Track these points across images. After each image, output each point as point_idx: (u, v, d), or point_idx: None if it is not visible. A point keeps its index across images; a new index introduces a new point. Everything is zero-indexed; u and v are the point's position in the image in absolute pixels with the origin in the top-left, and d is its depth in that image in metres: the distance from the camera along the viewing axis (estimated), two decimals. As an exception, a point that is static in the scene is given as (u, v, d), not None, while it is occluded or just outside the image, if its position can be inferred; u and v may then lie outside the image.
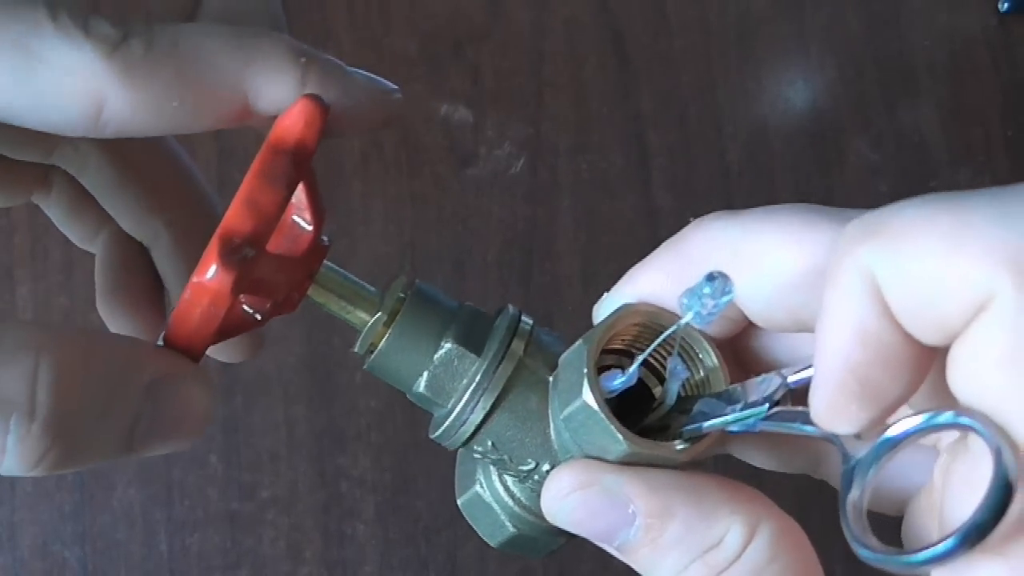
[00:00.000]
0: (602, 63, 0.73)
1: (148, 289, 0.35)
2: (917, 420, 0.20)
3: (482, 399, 0.28)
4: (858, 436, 0.21)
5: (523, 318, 0.29)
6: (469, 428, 0.28)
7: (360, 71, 0.28)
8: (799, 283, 0.23)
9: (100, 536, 0.65)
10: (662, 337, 0.26)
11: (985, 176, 0.73)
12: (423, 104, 0.71)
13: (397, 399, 0.68)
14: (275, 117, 0.26)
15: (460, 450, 0.30)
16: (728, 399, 0.25)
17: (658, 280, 0.27)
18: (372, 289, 0.29)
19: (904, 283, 0.19)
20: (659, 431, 0.27)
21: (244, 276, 0.23)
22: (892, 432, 0.21)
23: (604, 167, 0.72)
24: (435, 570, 0.66)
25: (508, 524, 0.30)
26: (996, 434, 0.17)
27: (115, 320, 0.35)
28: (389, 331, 0.28)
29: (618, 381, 0.26)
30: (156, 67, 0.24)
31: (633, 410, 0.27)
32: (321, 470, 0.66)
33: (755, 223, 0.24)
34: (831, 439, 0.22)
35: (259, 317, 0.27)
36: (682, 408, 0.27)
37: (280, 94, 0.25)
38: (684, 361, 0.27)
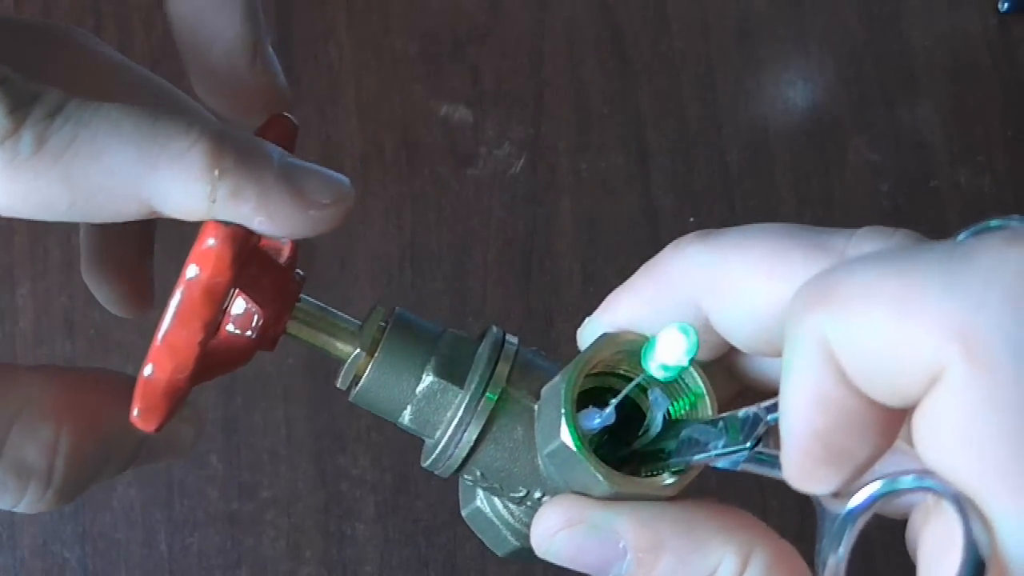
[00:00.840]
0: (602, 63, 0.73)
1: (134, 257, 0.34)
2: (876, 486, 0.20)
3: (465, 433, 0.27)
4: (835, 494, 0.21)
5: (507, 340, 0.28)
6: (456, 462, 0.28)
7: (299, 170, 0.25)
8: (774, 314, 0.23)
9: (100, 536, 0.65)
10: (625, 391, 0.25)
11: (985, 176, 0.73)
12: (423, 104, 0.71)
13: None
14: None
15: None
16: (716, 428, 0.25)
17: (637, 307, 0.26)
18: (352, 321, 0.29)
19: (856, 352, 0.18)
20: (650, 455, 0.27)
21: (241, 244, 0.23)
22: (853, 503, 0.20)
23: (604, 167, 0.72)
24: (435, 570, 0.66)
25: (511, 539, 0.30)
26: (964, 506, 0.17)
27: (100, 289, 0.34)
28: (370, 366, 0.28)
29: (596, 421, 0.26)
30: (43, 170, 0.22)
31: (625, 429, 0.27)
32: (321, 470, 0.66)
33: (729, 251, 0.24)
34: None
35: (249, 335, 0.27)
36: (670, 434, 0.27)
37: (186, 208, 0.23)
38: (669, 387, 0.26)
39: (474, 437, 0.27)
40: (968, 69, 0.75)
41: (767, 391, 0.25)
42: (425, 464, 0.29)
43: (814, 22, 0.75)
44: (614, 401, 0.26)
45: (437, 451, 0.28)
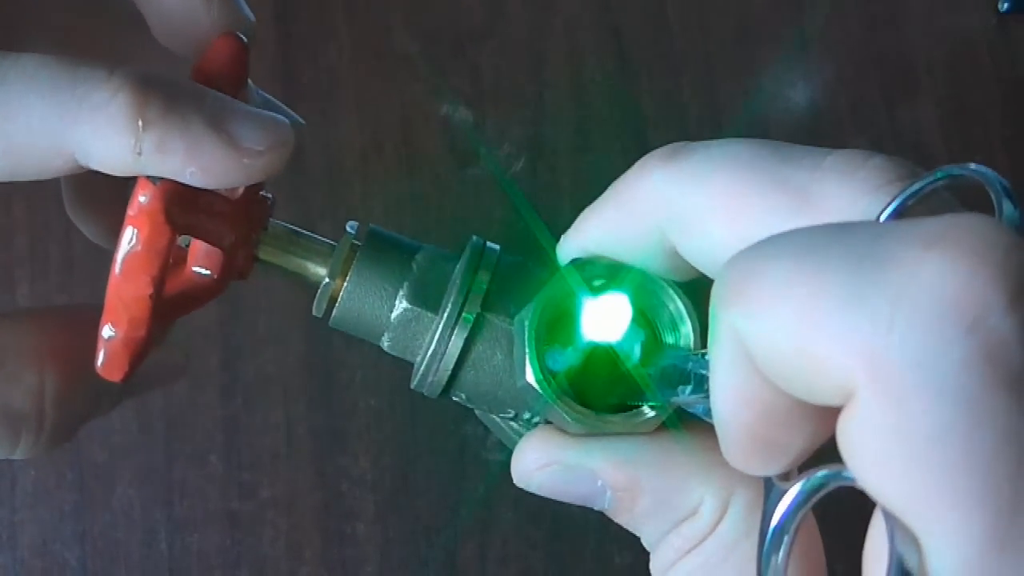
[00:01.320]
0: (602, 63, 0.73)
1: (113, 190, 0.33)
2: (795, 489, 0.19)
3: (442, 361, 0.26)
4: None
5: (488, 250, 0.27)
6: (437, 388, 0.27)
7: (237, 110, 0.24)
8: (735, 251, 0.22)
9: (100, 536, 0.65)
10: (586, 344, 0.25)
11: (985, 176, 0.73)
12: (423, 104, 0.71)
13: (397, 399, 0.68)
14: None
15: None
16: (694, 360, 0.24)
17: (604, 232, 0.26)
18: (326, 242, 0.27)
19: (767, 355, 0.17)
20: (633, 382, 0.26)
21: (177, 198, 0.23)
22: (777, 515, 0.19)
23: (604, 167, 0.72)
24: (435, 570, 0.66)
25: (517, 439, 0.29)
26: (890, 519, 0.16)
27: (86, 225, 0.33)
28: (341, 291, 0.27)
29: (560, 359, 0.25)
30: None
31: (607, 354, 0.26)
32: (321, 470, 0.66)
33: (692, 184, 0.23)
34: None
35: (213, 276, 0.26)
36: (650, 360, 0.26)
37: (111, 163, 0.22)
38: (645, 314, 0.26)
39: (451, 365, 0.26)
40: (968, 69, 0.75)
41: None
42: (412, 386, 0.28)
43: (814, 22, 0.75)
44: (584, 344, 0.25)
45: (418, 376, 0.27)
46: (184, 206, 0.23)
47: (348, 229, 0.27)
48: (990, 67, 0.75)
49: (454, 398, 0.28)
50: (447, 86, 0.72)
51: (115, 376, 0.23)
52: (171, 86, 0.23)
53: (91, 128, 0.22)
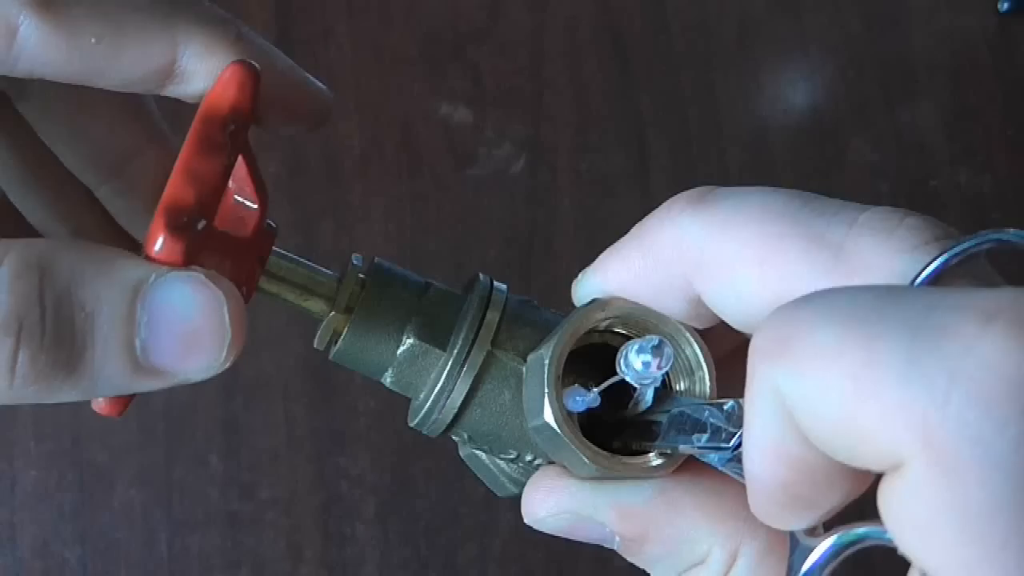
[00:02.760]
0: (602, 63, 0.73)
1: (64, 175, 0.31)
2: (829, 542, 0.19)
3: (448, 399, 0.26)
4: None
5: (496, 290, 0.26)
6: (440, 426, 0.26)
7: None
8: (767, 302, 0.21)
9: (100, 536, 0.65)
10: (609, 381, 0.24)
11: (985, 176, 0.73)
12: (423, 104, 0.71)
13: (397, 399, 0.67)
14: (199, 90, 0.24)
15: None
16: (710, 410, 0.24)
17: (626, 275, 0.25)
18: (329, 273, 0.27)
19: (811, 417, 0.17)
20: (642, 427, 0.26)
21: (193, 248, 0.22)
22: (808, 564, 0.19)
23: (604, 167, 0.72)
24: (435, 570, 0.66)
25: (509, 485, 0.29)
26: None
27: (33, 209, 0.31)
28: (348, 325, 0.26)
29: (580, 402, 0.25)
30: (75, 6, 0.22)
31: (619, 392, 0.25)
32: (321, 470, 0.66)
33: (721, 230, 0.23)
34: None
35: None
36: (662, 407, 0.26)
37: (210, 53, 0.23)
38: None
39: (458, 403, 0.26)
40: (968, 69, 0.75)
41: None
42: (411, 424, 0.27)
43: (814, 22, 0.75)
44: (596, 389, 0.25)
45: (421, 414, 0.26)
46: (197, 252, 0.23)
47: (354, 262, 0.27)
48: (990, 67, 0.75)
49: (454, 437, 0.27)
50: (447, 86, 0.72)
51: (176, 246, 0.22)
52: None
53: (197, 20, 0.23)
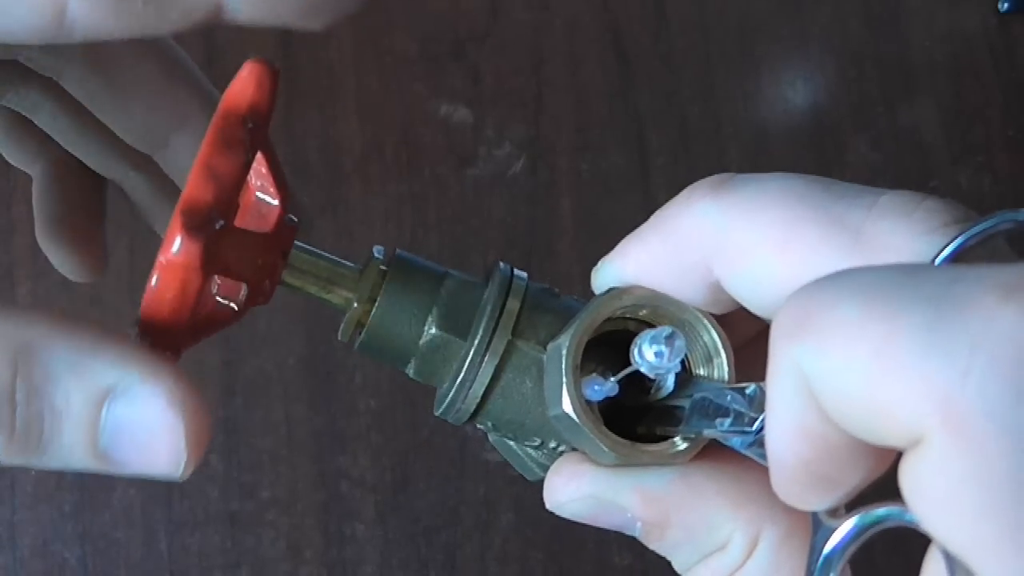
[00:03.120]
0: (602, 63, 0.73)
1: (87, 222, 0.33)
2: (850, 524, 0.19)
3: (471, 389, 0.26)
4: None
5: (516, 278, 0.27)
6: (463, 415, 0.26)
7: None
8: (787, 286, 0.22)
9: (100, 536, 0.65)
10: (626, 372, 0.24)
11: (985, 176, 0.73)
12: (423, 104, 0.71)
13: (397, 399, 0.68)
14: (251, 17, 0.23)
15: None
16: (732, 395, 0.24)
17: (646, 261, 0.25)
18: (351, 266, 0.27)
19: (833, 394, 0.17)
20: (664, 412, 0.26)
21: (212, 248, 0.22)
22: (830, 545, 0.19)
23: (604, 167, 0.72)
24: (435, 570, 0.66)
25: (538, 470, 0.29)
26: (952, 561, 0.16)
27: (55, 254, 0.33)
28: (370, 316, 0.26)
29: (598, 388, 0.25)
30: None
31: (640, 379, 0.26)
32: (321, 470, 0.66)
33: (740, 215, 0.23)
34: None
35: (235, 308, 0.26)
36: (683, 392, 0.26)
37: None
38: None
39: (480, 392, 0.26)
40: (968, 69, 0.75)
41: None
42: (436, 413, 0.27)
43: (814, 22, 0.75)
44: (614, 379, 0.25)
45: (445, 404, 0.26)
46: (217, 252, 0.23)
47: (375, 253, 0.27)
48: (990, 67, 0.75)
49: (479, 426, 0.27)
50: (447, 86, 0.72)
51: (193, 246, 0.22)
52: None
53: None
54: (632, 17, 0.74)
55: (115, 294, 0.67)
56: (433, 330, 0.26)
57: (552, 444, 0.27)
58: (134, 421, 0.23)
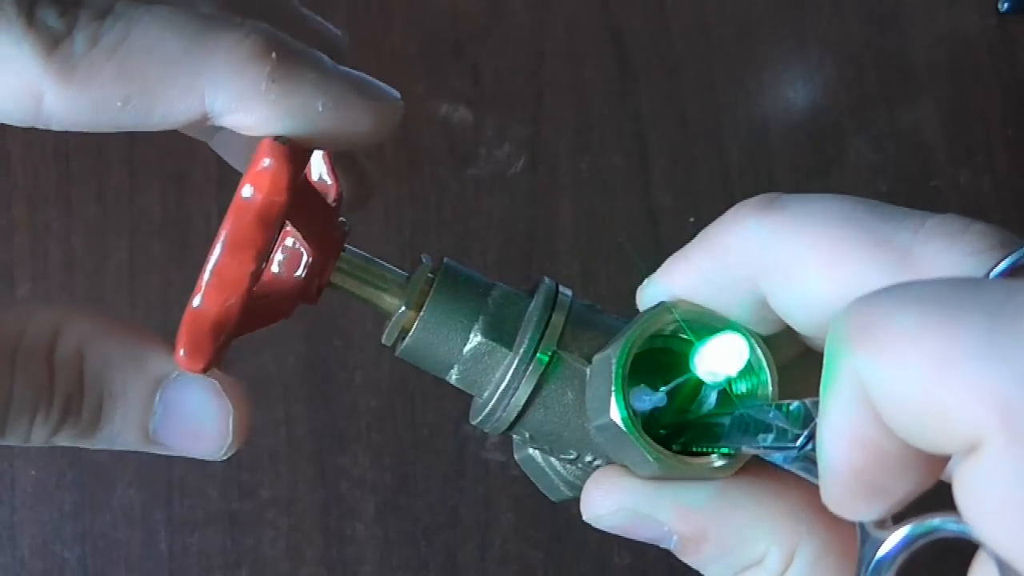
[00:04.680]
0: (602, 63, 0.73)
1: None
2: (904, 532, 0.19)
3: (513, 398, 0.26)
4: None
5: (561, 293, 0.27)
6: (503, 424, 0.27)
7: (351, 71, 0.26)
8: (834, 305, 0.22)
9: (100, 536, 0.65)
10: (676, 381, 0.25)
11: (985, 176, 0.73)
12: (423, 104, 0.71)
13: (397, 399, 0.68)
14: (241, 124, 0.23)
15: None
16: (775, 412, 0.24)
17: (694, 278, 0.26)
18: (398, 272, 0.28)
19: (890, 401, 0.17)
20: (703, 429, 0.26)
21: (295, 180, 0.22)
22: (882, 552, 0.20)
23: (604, 167, 0.72)
24: (435, 570, 0.66)
25: (564, 489, 0.29)
26: (1006, 570, 0.16)
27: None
28: (415, 324, 0.27)
29: (647, 402, 0.25)
30: (98, 67, 0.22)
31: (680, 395, 0.26)
32: (321, 470, 0.66)
33: (789, 232, 0.23)
34: None
35: (296, 278, 0.26)
36: (725, 410, 0.26)
37: (241, 95, 0.23)
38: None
39: (522, 402, 0.26)
40: (968, 69, 0.75)
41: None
42: (474, 422, 0.28)
43: (814, 22, 0.75)
44: (665, 388, 0.25)
45: (484, 413, 0.27)
46: (298, 186, 0.23)
47: (423, 260, 0.28)
48: (990, 67, 0.75)
49: (515, 436, 0.28)
50: (447, 86, 0.72)
51: (198, 364, 0.23)
52: (295, 41, 0.24)
53: (225, 60, 0.23)
54: (632, 17, 0.74)
55: (115, 294, 0.67)
56: (479, 338, 0.27)
57: (588, 458, 0.27)
58: (187, 404, 0.25)
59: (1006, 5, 0.75)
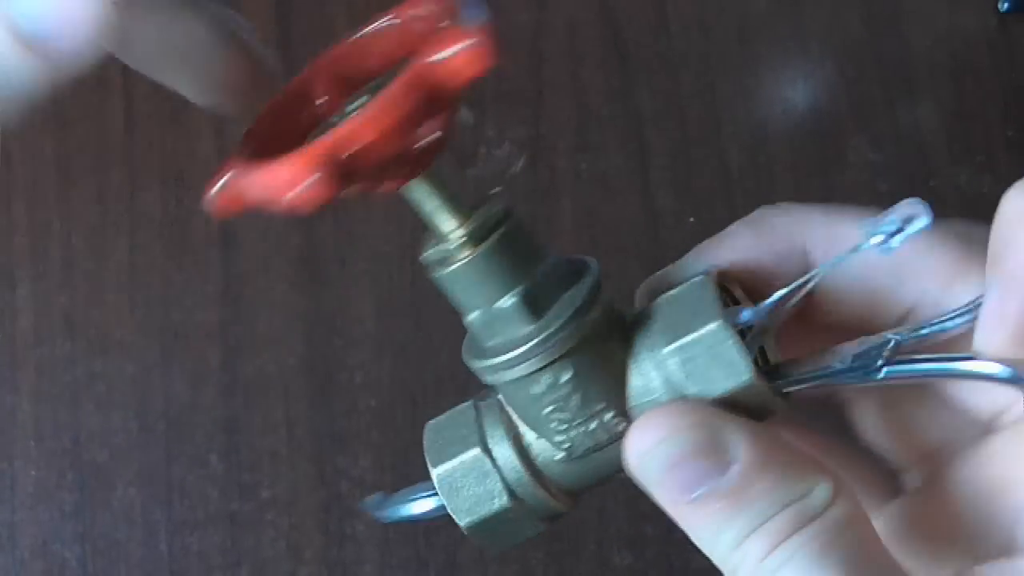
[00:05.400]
0: (602, 63, 0.73)
1: None
2: None
3: (530, 362, 0.26)
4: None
5: (601, 291, 0.27)
6: (551, 355, 0.26)
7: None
8: (881, 273, 0.23)
9: (100, 536, 0.65)
10: (794, 285, 0.25)
11: (985, 176, 0.73)
12: (423, 104, 0.71)
13: (397, 399, 0.68)
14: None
15: (436, 420, 0.30)
16: (809, 363, 0.25)
17: (737, 249, 0.27)
18: (465, 202, 0.28)
19: None
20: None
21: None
22: None
23: (604, 167, 0.72)
24: (435, 570, 0.66)
25: (503, 495, 0.28)
26: None
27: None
28: (463, 259, 0.27)
29: (747, 313, 0.25)
30: None
31: None
32: (321, 470, 0.66)
33: (837, 210, 0.25)
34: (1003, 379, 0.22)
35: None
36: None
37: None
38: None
39: (538, 367, 0.26)
40: (968, 69, 0.75)
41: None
42: (470, 360, 0.28)
43: (814, 22, 0.75)
44: (770, 300, 0.25)
45: (487, 363, 0.27)
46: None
47: (495, 194, 0.28)
48: (990, 67, 0.75)
49: (537, 387, 0.27)
50: (447, 86, 0.72)
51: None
52: None
53: None
54: (632, 17, 0.74)
55: (116, 295, 0.67)
56: (514, 299, 0.26)
57: (609, 414, 0.27)
58: None
59: (1006, 5, 0.75)
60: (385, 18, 0.26)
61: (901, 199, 0.23)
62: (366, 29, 0.27)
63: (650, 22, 0.74)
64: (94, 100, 0.69)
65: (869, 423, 0.30)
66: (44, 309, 0.67)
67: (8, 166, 0.69)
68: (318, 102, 0.27)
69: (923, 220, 0.23)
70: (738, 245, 0.27)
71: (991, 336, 0.22)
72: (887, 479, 0.31)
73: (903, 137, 0.74)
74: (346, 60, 0.27)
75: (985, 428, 0.27)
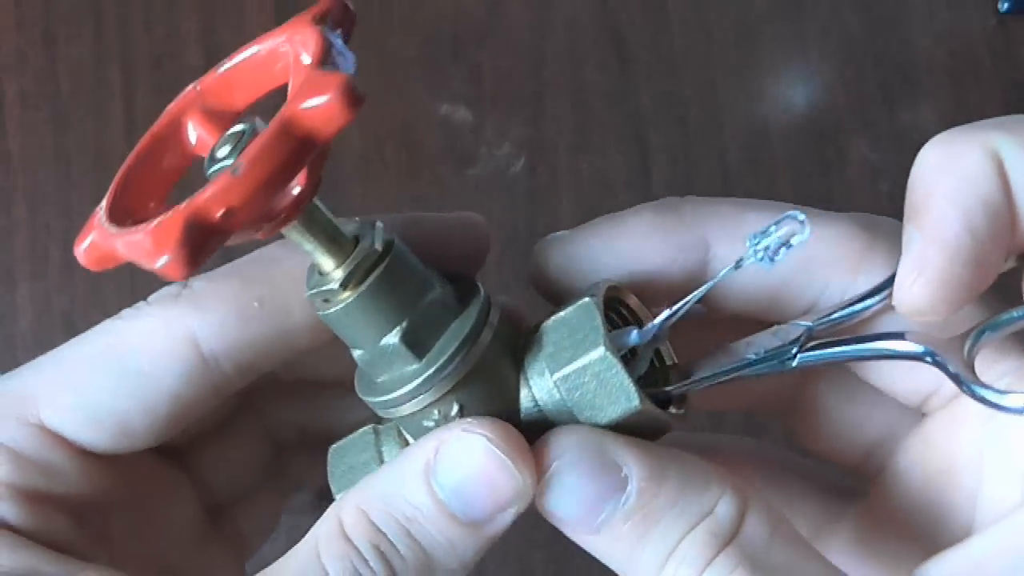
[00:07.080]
0: (602, 63, 0.73)
1: None
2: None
3: (420, 398, 0.26)
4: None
5: (492, 312, 0.27)
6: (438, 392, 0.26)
7: None
8: (786, 265, 0.23)
9: (100, 536, 0.65)
10: (692, 296, 0.25)
11: (985, 176, 0.73)
12: (423, 104, 0.71)
13: (397, 399, 0.68)
14: None
15: (339, 444, 0.30)
16: (722, 355, 0.25)
17: (636, 236, 0.26)
18: (348, 237, 0.27)
19: None
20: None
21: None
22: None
23: (604, 167, 0.72)
24: (435, 570, 0.66)
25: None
26: None
27: None
28: (343, 302, 0.26)
29: (634, 336, 0.25)
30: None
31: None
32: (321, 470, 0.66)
33: (745, 205, 0.25)
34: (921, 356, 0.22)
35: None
36: (648, 381, 0.27)
37: None
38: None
39: (424, 405, 0.26)
40: (968, 69, 0.75)
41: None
42: (360, 394, 0.27)
43: (814, 22, 0.75)
44: (657, 320, 0.25)
45: (378, 399, 0.26)
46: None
47: (376, 226, 0.28)
48: (990, 67, 0.75)
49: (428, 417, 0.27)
50: (447, 86, 0.72)
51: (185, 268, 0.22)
52: None
53: None
54: (632, 17, 0.74)
55: (116, 295, 0.67)
56: (396, 339, 0.26)
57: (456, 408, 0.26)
58: (463, 472, 0.24)
59: (1006, 5, 0.75)
60: (248, 50, 0.26)
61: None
62: (230, 62, 0.26)
63: (650, 22, 0.74)
64: (94, 100, 0.69)
65: (809, 431, 0.30)
66: (44, 309, 0.67)
67: (8, 166, 0.69)
68: (191, 139, 0.27)
69: (804, 234, 0.23)
70: (638, 231, 0.26)
71: (912, 288, 0.21)
72: (844, 484, 0.30)
73: (903, 137, 0.74)
74: (213, 95, 0.27)
75: (918, 413, 0.27)
